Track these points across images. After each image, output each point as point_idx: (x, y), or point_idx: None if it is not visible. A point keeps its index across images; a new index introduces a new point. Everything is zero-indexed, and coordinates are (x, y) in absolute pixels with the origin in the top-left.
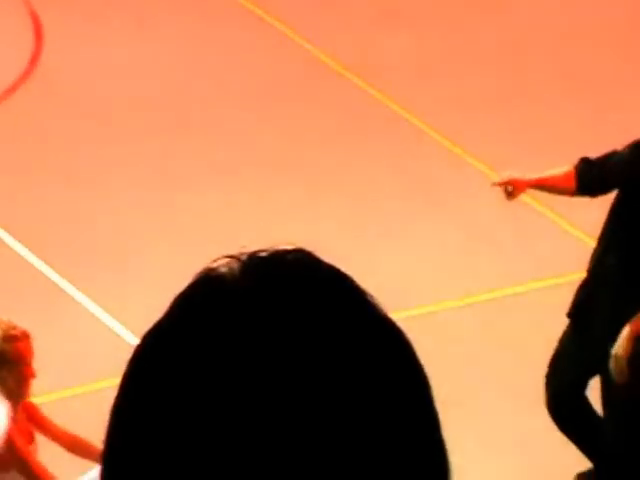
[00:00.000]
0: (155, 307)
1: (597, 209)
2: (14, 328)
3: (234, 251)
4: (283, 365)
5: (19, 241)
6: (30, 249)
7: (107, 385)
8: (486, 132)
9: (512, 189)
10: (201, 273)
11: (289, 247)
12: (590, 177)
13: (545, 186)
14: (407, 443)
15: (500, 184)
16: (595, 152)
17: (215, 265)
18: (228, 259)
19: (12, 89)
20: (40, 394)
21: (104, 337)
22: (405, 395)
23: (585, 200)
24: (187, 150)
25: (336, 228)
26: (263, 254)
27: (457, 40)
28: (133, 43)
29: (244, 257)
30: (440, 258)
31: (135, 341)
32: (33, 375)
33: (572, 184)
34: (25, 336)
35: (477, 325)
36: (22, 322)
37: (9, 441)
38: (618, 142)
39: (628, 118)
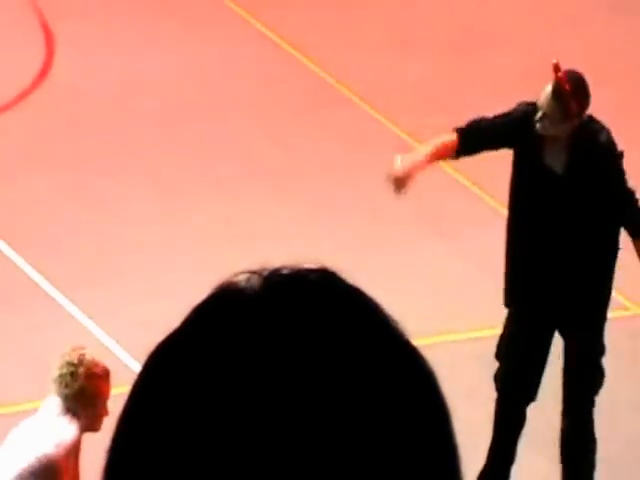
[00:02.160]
0: (143, 319)
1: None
2: (97, 365)
3: (228, 265)
4: (297, 383)
5: (13, 248)
6: (22, 256)
7: None
8: (496, 166)
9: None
10: (221, 285)
11: (313, 266)
12: (470, 134)
13: (434, 160)
14: (427, 476)
15: (396, 179)
16: None
17: (235, 279)
18: (249, 274)
19: (21, 97)
20: (25, 402)
21: (91, 347)
22: (425, 425)
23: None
24: (185, 163)
25: (335, 249)
26: (285, 271)
27: (470, 71)
28: (140, 55)
29: (265, 273)
30: (442, 288)
31: (121, 352)
32: (107, 413)
33: (454, 146)
34: (106, 374)
35: (478, 361)
36: (9, 329)
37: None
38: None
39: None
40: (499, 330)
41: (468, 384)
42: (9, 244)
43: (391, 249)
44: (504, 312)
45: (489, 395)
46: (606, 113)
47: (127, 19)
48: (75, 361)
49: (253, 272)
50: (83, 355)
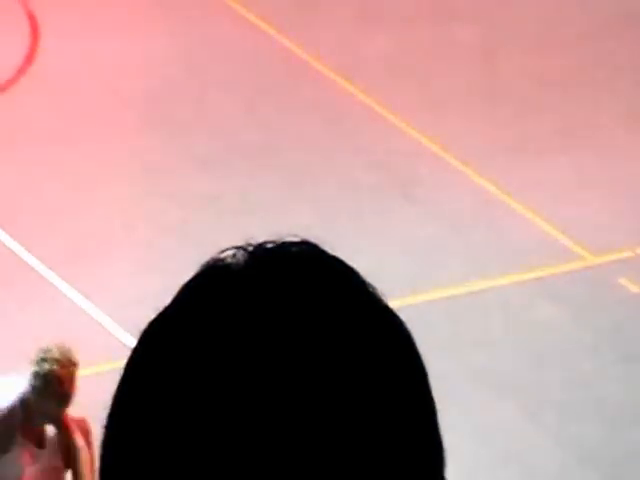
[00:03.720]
0: (132, 294)
1: (570, 204)
2: (69, 352)
3: (216, 240)
4: (285, 349)
5: (5, 231)
6: (14, 238)
7: (89, 372)
8: (462, 129)
9: None
10: (208, 262)
11: (295, 239)
12: None
13: None
14: (407, 425)
15: None
16: (564, 149)
17: (222, 255)
18: (235, 250)
19: (7, 85)
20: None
21: (86, 325)
22: (406, 380)
23: (558, 195)
24: (172, 144)
25: (314, 217)
26: (269, 245)
27: (434, 43)
28: (123, 41)
29: (250, 248)
30: (413, 251)
31: (115, 329)
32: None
33: None
34: (74, 365)
35: (449, 318)
36: (2, 307)
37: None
38: (591, 139)
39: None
40: (468, 288)
41: (440, 339)
42: (1, 227)
43: (365, 215)
44: (473, 271)
45: (460, 349)
46: (558, 79)
47: (110, 5)
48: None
49: (238, 248)
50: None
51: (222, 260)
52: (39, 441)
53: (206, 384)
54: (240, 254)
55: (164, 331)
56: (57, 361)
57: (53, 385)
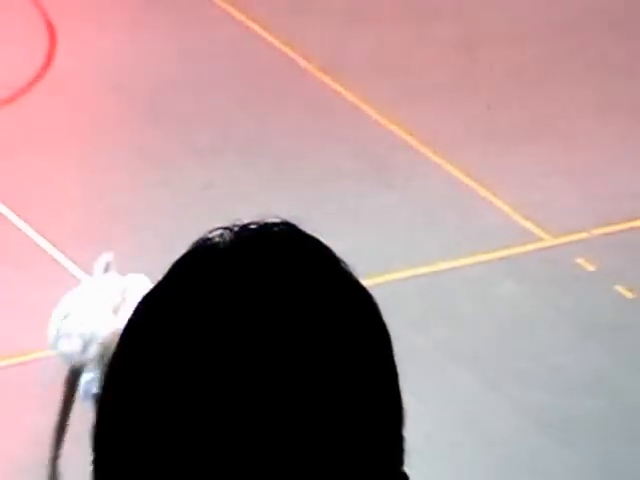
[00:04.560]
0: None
1: (533, 190)
2: None
3: (210, 223)
4: (266, 319)
5: (19, 216)
6: (27, 222)
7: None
8: (437, 122)
9: None
10: (198, 241)
11: (276, 220)
12: None
13: None
14: (370, 383)
15: None
16: (532, 139)
17: (210, 235)
18: (222, 230)
19: (26, 89)
20: (28, 352)
21: None
22: (370, 345)
23: (523, 182)
24: (170, 134)
25: (300, 204)
26: (253, 226)
27: (415, 40)
28: (129, 42)
29: (236, 228)
30: (389, 234)
31: None
32: None
33: None
34: None
35: (419, 295)
36: (15, 288)
37: None
38: (558, 130)
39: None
40: (438, 267)
41: (411, 314)
42: (18, 215)
43: (347, 201)
44: (443, 251)
45: (429, 323)
46: (529, 72)
47: (118, 12)
48: None
49: (225, 228)
50: None
51: (210, 239)
52: None
53: (191, 356)
54: (227, 234)
55: (156, 305)
56: None
57: None
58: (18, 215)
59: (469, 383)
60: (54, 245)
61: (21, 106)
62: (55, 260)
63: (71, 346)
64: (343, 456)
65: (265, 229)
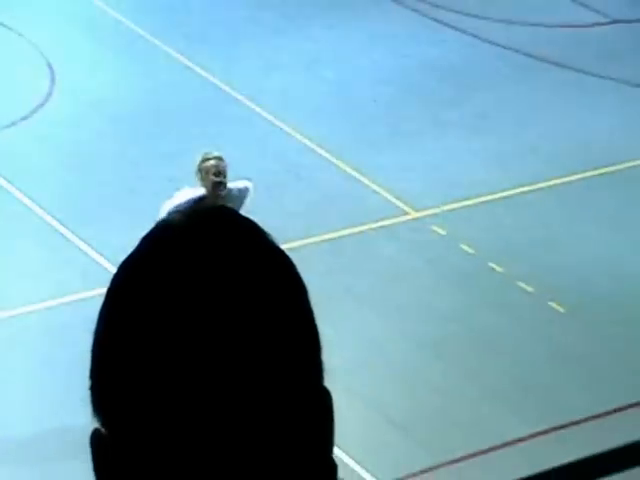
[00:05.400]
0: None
1: (402, 179)
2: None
3: None
4: (212, 276)
5: (29, 197)
6: (42, 207)
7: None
8: (332, 130)
9: None
10: (160, 221)
11: (216, 205)
12: None
13: None
14: (295, 320)
15: None
16: (401, 142)
17: (169, 216)
18: (176, 213)
19: (31, 114)
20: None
21: (90, 266)
22: (292, 295)
23: (396, 173)
24: (147, 138)
25: None
26: (198, 209)
27: (297, 54)
28: (111, 79)
29: (188, 211)
30: (299, 213)
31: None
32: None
33: None
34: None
35: (331, 255)
36: (27, 263)
37: None
38: (421, 134)
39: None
40: (339, 234)
41: (321, 269)
42: (30, 197)
43: (271, 190)
44: (341, 223)
45: (336, 277)
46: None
47: (100, 56)
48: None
49: (178, 212)
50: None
51: (169, 219)
52: None
53: (158, 304)
54: (177, 216)
55: (131, 270)
56: (218, 158)
57: (217, 174)
58: (32, 199)
59: (371, 322)
60: (61, 222)
61: (35, 123)
62: (63, 235)
63: None
64: (275, 371)
65: (208, 212)
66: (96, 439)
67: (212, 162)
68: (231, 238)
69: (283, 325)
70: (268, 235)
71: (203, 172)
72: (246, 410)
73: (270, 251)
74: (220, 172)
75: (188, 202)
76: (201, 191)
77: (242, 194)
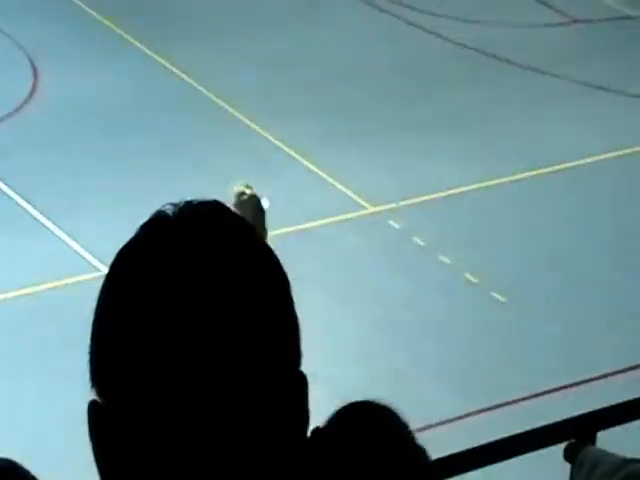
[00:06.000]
0: (119, 234)
1: (361, 177)
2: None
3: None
4: (202, 265)
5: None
6: (21, 195)
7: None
8: (300, 132)
9: None
10: (155, 212)
11: (209, 199)
12: None
13: None
14: (275, 309)
15: None
16: (361, 143)
17: (163, 208)
18: (171, 205)
19: (15, 111)
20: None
21: (74, 258)
22: (274, 285)
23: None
24: (129, 133)
25: (212, 189)
26: (192, 201)
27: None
28: (93, 78)
29: (182, 204)
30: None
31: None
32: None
33: None
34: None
35: (298, 245)
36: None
37: None
38: (376, 138)
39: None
40: (303, 227)
41: (294, 261)
42: (9, 185)
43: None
44: (306, 216)
45: (303, 267)
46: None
47: (87, 57)
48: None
49: (173, 204)
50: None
51: (163, 211)
52: None
53: (154, 289)
54: (172, 207)
55: (128, 258)
56: (249, 187)
57: (258, 203)
58: (19, 194)
59: (325, 302)
60: (43, 214)
61: (20, 118)
62: (45, 226)
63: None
64: (256, 352)
65: (200, 205)
66: (93, 409)
67: (254, 193)
68: (219, 231)
69: (265, 313)
70: (253, 229)
71: (249, 203)
72: (230, 385)
73: (254, 244)
74: (259, 199)
75: None
76: None
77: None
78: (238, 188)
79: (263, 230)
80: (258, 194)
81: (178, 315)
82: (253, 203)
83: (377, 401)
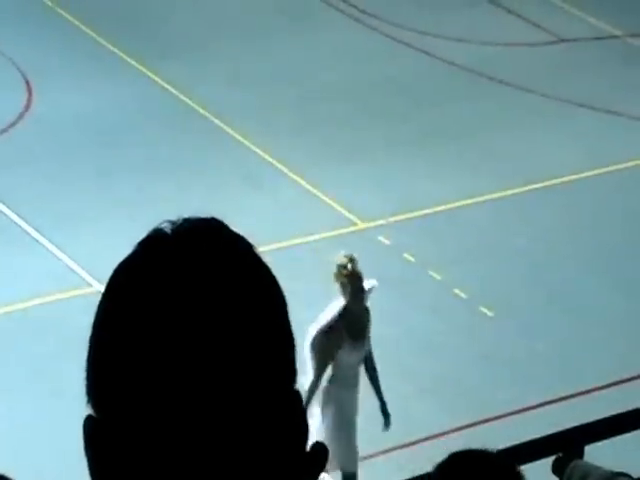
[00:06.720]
0: (106, 245)
1: (352, 193)
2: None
3: (168, 209)
4: (199, 282)
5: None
6: (19, 214)
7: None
8: (290, 146)
9: None
10: (152, 230)
11: (206, 216)
12: None
13: None
14: (272, 325)
15: None
16: (346, 160)
17: (161, 225)
18: (168, 222)
19: (8, 128)
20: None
21: (65, 271)
22: (270, 304)
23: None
24: (121, 150)
25: (206, 204)
26: (190, 219)
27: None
28: (83, 94)
29: (179, 221)
30: (258, 221)
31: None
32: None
33: None
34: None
35: (288, 260)
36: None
37: None
38: (363, 154)
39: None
40: (292, 242)
41: (287, 275)
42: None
43: (235, 196)
44: (296, 232)
45: (296, 280)
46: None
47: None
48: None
49: (171, 221)
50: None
51: (160, 228)
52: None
53: (150, 306)
54: (170, 225)
55: (126, 274)
56: (353, 260)
57: (359, 280)
58: (9, 207)
59: (314, 317)
60: (35, 228)
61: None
62: (37, 241)
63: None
64: (251, 368)
65: (198, 222)
66: (89, 423)
67: (357, 269)
68: (217, 248)
69: (261, 331)
70: (252, 247)
71: (348, 279)
72: (226, 402)
73: (252, 263)
74: (361, 277)
75: (334, 318)
76: (341, 303)
77: (370, 293)
78: (341, 259)
79: (364, 310)
80: (363, 274)
81: (175, 332)
82: (354, 281)
83: None
